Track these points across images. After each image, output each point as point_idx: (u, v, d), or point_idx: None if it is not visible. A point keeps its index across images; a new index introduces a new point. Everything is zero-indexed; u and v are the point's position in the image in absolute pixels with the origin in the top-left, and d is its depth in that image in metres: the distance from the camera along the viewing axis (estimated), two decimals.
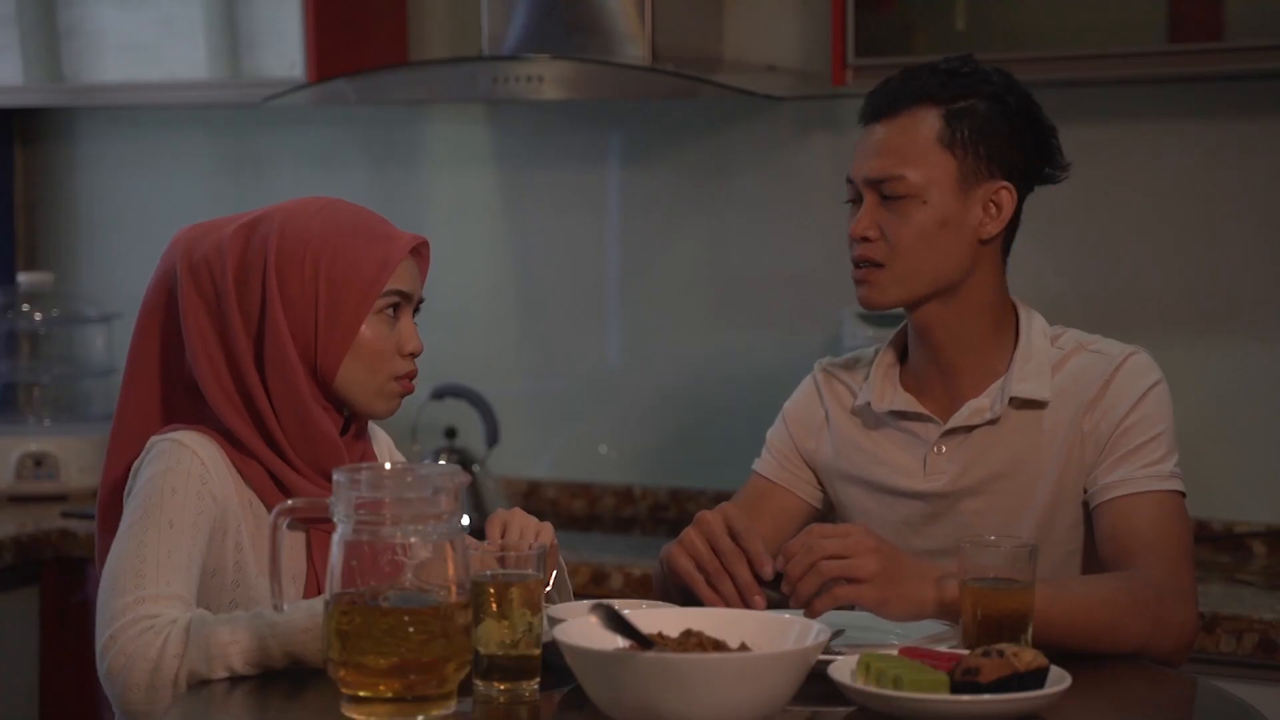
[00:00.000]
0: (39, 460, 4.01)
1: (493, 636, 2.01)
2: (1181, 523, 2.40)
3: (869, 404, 2.54)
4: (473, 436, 3.95)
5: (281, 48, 3.87)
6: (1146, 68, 3.30)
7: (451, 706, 1.93)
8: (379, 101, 4.01)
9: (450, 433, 3.92)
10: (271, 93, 3.81)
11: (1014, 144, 2.46)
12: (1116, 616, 2.24)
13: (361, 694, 1.90)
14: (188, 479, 2.21)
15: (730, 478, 3.02)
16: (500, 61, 3.61)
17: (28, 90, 4.16)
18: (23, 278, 4.20)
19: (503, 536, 2.25)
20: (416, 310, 2.35)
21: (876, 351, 2.61)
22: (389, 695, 1.89)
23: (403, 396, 2.32)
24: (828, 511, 2.65)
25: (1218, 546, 3.44)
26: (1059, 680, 1.94)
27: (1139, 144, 3.52)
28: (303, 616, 2.09)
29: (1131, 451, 2.41)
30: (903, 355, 2.58)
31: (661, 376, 3.96)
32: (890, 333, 2.63)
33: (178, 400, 2.32)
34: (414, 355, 2.31)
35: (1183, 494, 2.42)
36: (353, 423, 2.35)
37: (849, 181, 2.50)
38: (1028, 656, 1.93)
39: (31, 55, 4.12)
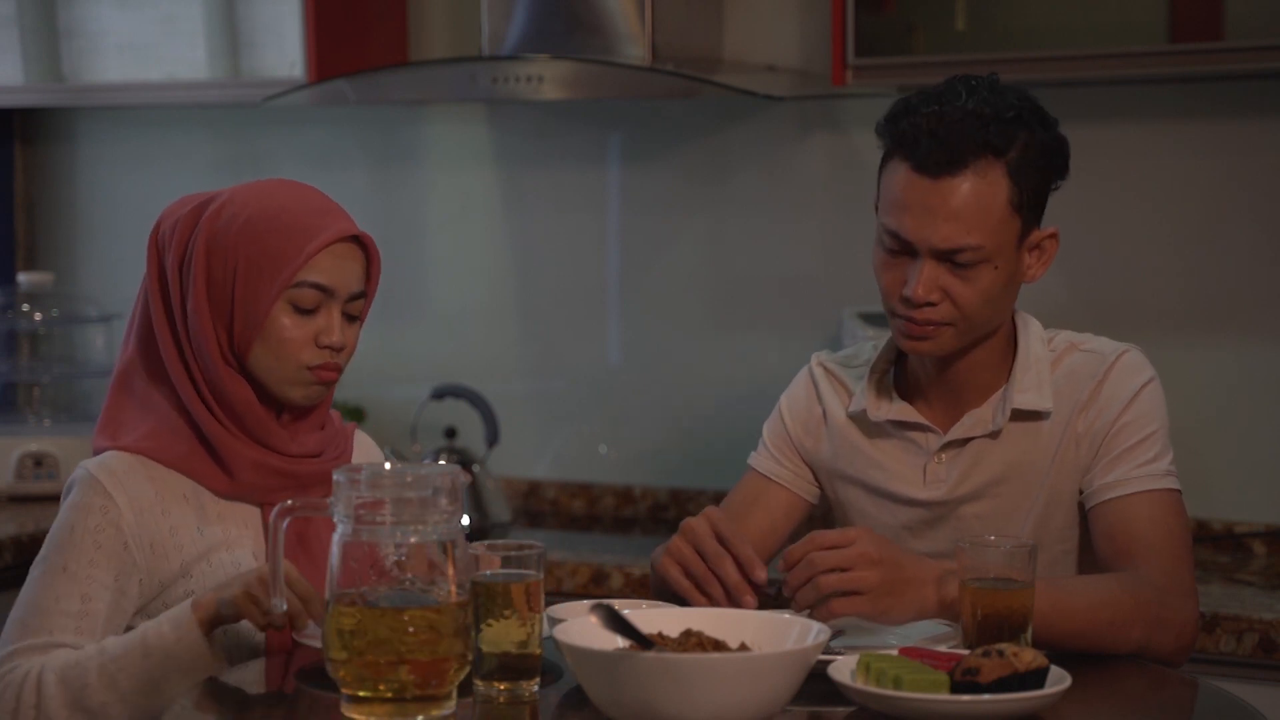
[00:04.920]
0: (39, 460, 4.00)
1: (493, 636, 2.01)
2: (1179, 521, 2.40)
3: (865, 411, 2.53)
4: (473, 436, 3.95)
5: (281, 48, 3.87)
6: (1146, 68, 3.30)
7: (451, 706, 1.93)
8: (379, 101, 4.01)
9: (450, 433, 3.92)
10: (271, 93, 3.81)
11: (1053, 180, 2.43)
12: (1118, 616, 2.24)
13: (361, 694, 1.90)
14: (87, 515, 2.29)
15: (730, 478, 3.01)
16: (500, 61, 3.61)
17: (28, 90, 4.16)
18: (23, 278, 4.19)
19: None
20: (354, 307, 2.35)
21: (874, 349, 2.60)
22: (389, 695, 1.89)
23: (319, 386, 2.35)
24: (824, 509, 2.64)
25: (1218, 546, 3.43)
26: (1059, 680, 1.94)
27: (1139, 144, 3.52)
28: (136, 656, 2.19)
29: (1126, 451, 2.41)
30: (897, 356, 2.57)
31: (661, 376, 3.95)
32: (890, 333, 2.62)
33: (147, 358, 2.40)
34: (335, 349, 2.33)
35: (1179, 491, 2.42)
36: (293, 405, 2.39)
37: (890, 233, 2.39)
38: (1028, 656, 1.93)
39: (31, 55, 4.12)
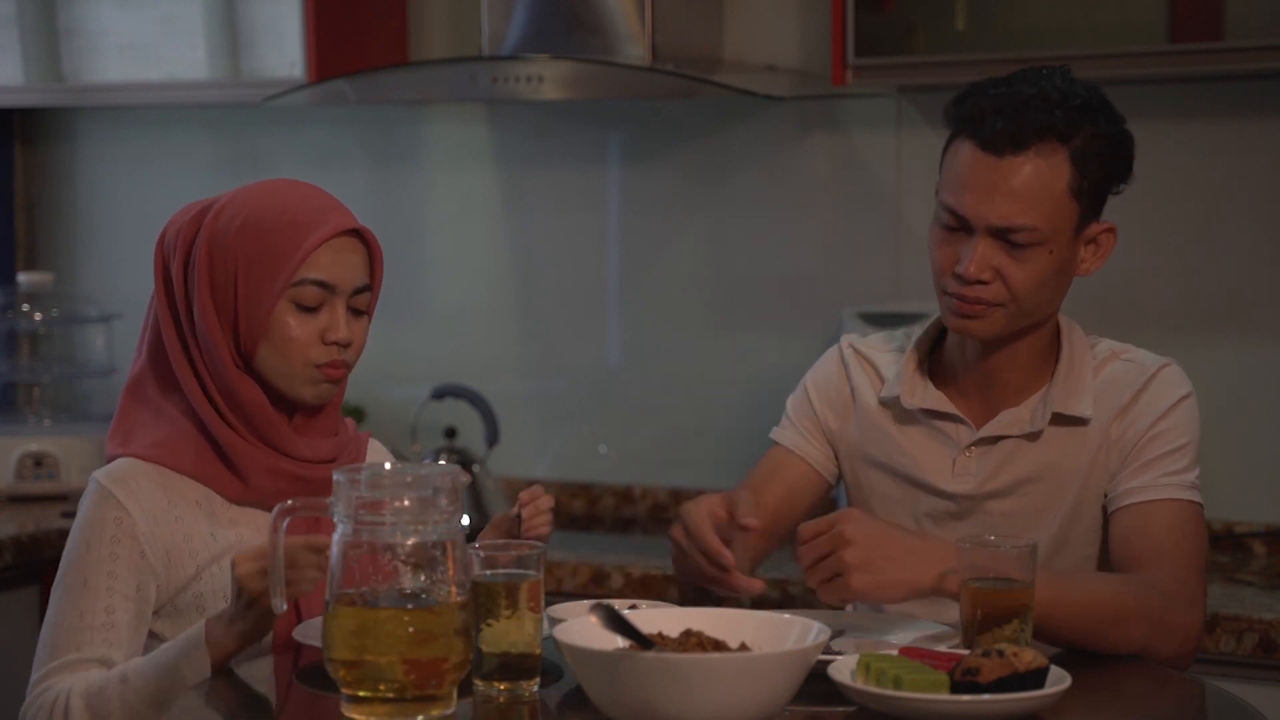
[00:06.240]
0: (39, 460, 4.01)
1: (493, 636, 2.01)
2: (1196, 532, 2.39)
3: (898, 398, 2.51)
4: (473, 436, 3.95)
5: (281, 48, 3.87)
6: (1146, 68, 3.30)
7: (451, 706, 1.93)
8: (379, 101, 4.01)
9: (450, 433, 3.92)
10: (271, 93, 3.81)
11: (1116, 180, 2.44)
12: (1119, 615, 2.24)
13: (361, 694, 1.90)
14: (101, 528, 2.29)
15: (730, 478, 3.01)
16: (500, 61, 3.61)
17: (28, 90, 4.16)
18: (23, 278, 4.19)
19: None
20: (359, 301, 2.35)
21: (907, 335, 2.58)
22: (389, 695, 1.89)
23: (328, 383, 2.35)
24: (837, 490, 2.63)
25: (1218, 546, 3.43)
26: (1059, 680, 1.94)
27: (1139, 144, 3.51)
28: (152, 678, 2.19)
29: (1154, 459, 2.41)
30: (932, 345, 2.55)
31: (661, 376, 3.95)
32: (927, 320, 2.61)
33: (158, 367, 2.39)
34: (341, 345, 2.32)
35: (1200, 505, 2.41)
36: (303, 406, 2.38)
37: (948, 209, 2.40)
38: (1028, 656, 1.93)
39: (31, 55, 4.12)
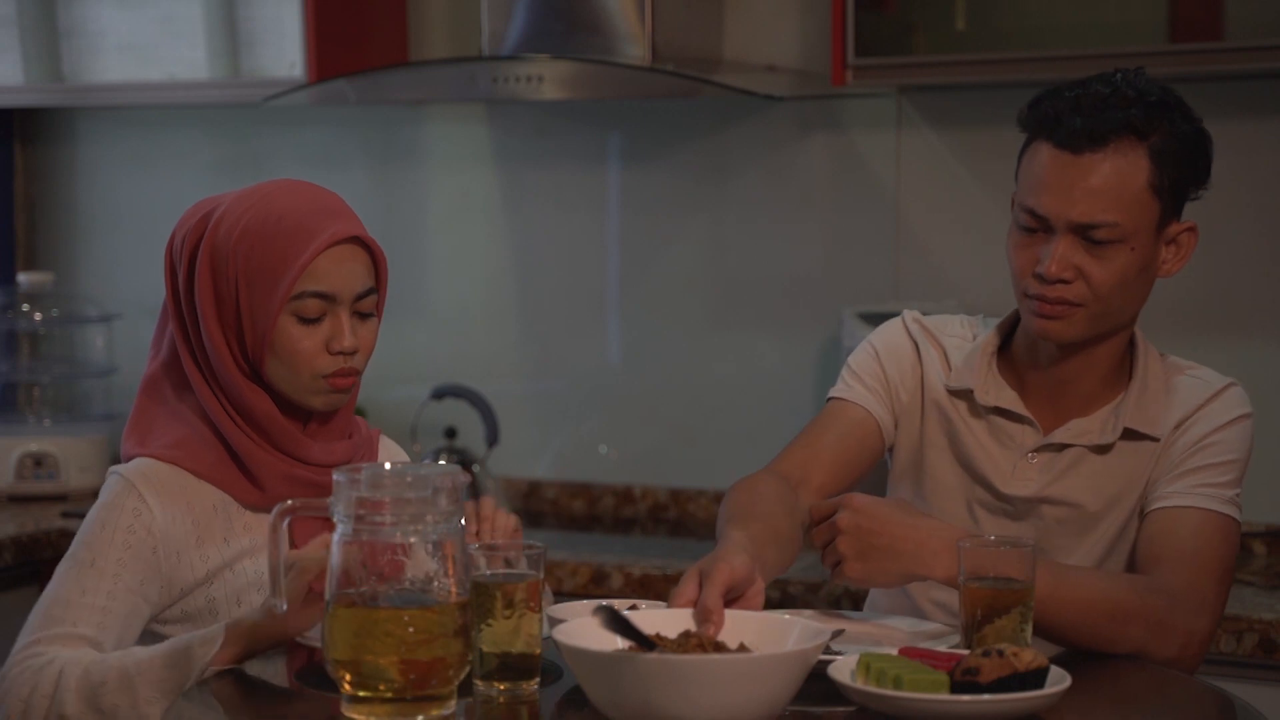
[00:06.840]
0: (39, 460, 4.01)
1: (494, 636, 2.01)
2: (1224, 542, 2.37)
3: (972, 391, 2.48)
4: (473, 436, 3.95)
5: (281, 48, 3.87)
6: (1146, 67, 3.29)
7: (451, 706, 1.93)
8: (379, 101, 4.01)
9: (450, 433, 3.92)
10: (271, 93, 3.81)
11: (1195, 180, 2.43)
12: (1116, 612, 2.24)
13: (361, 694, 1.90)
14: (119, 515, 2.27)
15: (730, 478, 3.00)
16: (500, 61, 3.62)
17: (28, 90, 4.16)
18: (23, 278, 4.20)
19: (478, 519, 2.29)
20: (364, 304, 2.31)
21: (967, 324, 2.55)
22: (389, 695, 1.89)
23: (336, 393, 2.32)
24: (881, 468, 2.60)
25: None
26: (1059, 680, 1.94)
27: None
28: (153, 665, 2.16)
29: (1198, 469, 2.39)
30: (1004, 340, 2.52)
31: (661, 376, 3.96)
32: (959, 315, 2.59)
33: (173, 368, 2.37)
34: (347, 354, 2.29)
35: (1236, 521, 2.39)
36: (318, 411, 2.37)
37: (1027, 210, 2.38)
38: (1028, 656, 1.93)
39: (31, 55, 4.13)
